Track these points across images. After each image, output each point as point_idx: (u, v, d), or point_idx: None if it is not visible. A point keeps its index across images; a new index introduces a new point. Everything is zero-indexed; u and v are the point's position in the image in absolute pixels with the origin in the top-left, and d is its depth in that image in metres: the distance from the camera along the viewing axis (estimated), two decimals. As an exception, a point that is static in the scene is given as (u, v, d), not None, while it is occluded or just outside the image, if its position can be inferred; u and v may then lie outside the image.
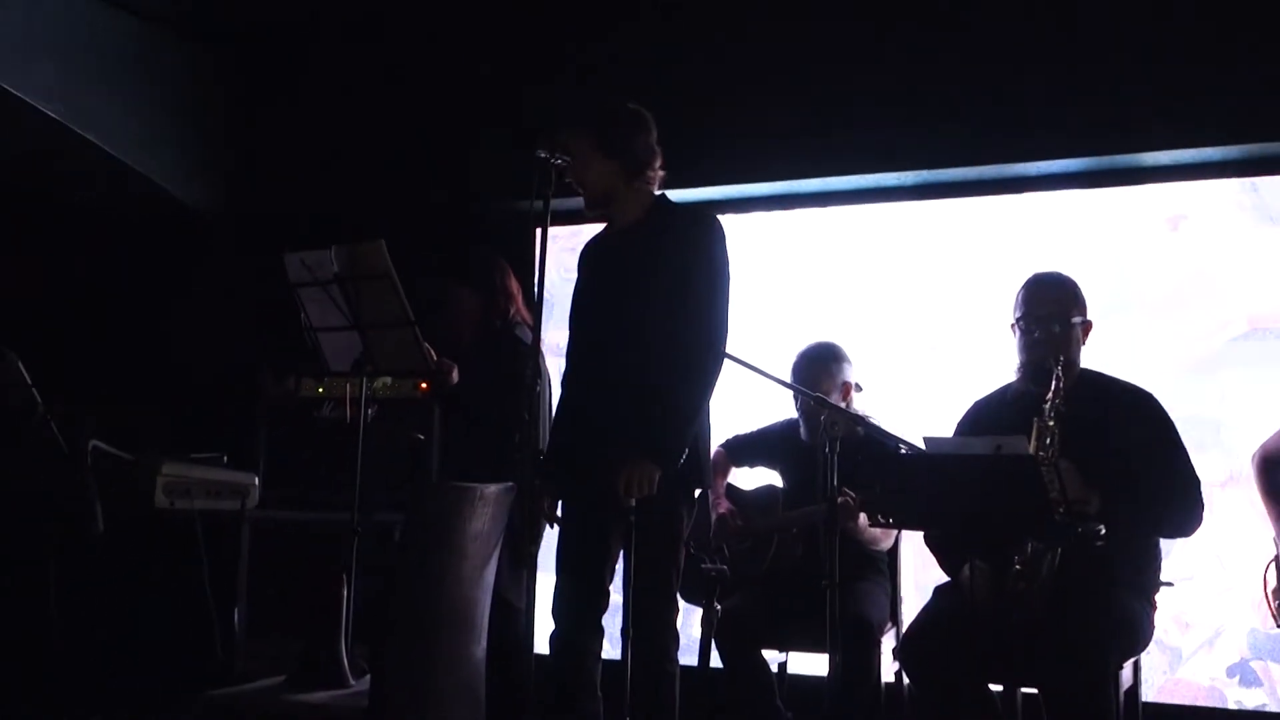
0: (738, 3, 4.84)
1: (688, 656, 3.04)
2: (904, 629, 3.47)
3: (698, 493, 3.13)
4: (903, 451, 2.99)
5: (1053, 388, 2.98)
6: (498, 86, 5.18)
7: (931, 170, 4.57)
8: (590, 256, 3.27)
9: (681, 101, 4.02)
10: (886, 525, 3.43)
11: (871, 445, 3.24)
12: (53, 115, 4.72)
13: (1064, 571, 2.89)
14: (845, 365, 3.77)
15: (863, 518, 3.48)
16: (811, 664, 3.85)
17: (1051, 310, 3.15)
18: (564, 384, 3.25)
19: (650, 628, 2.96)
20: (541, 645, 3.08)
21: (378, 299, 3.30)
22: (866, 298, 4.70)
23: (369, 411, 3.45)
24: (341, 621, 3.07)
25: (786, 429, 3.90)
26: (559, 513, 3.15)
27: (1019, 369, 3.22)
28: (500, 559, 3.07)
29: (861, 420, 3.20)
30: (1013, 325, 3.22)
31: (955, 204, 4.64)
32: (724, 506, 3.83)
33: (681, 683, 3.02)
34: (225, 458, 3.85)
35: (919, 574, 3.77)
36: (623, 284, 3.09)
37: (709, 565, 3.20)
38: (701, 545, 3.49)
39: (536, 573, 2.86)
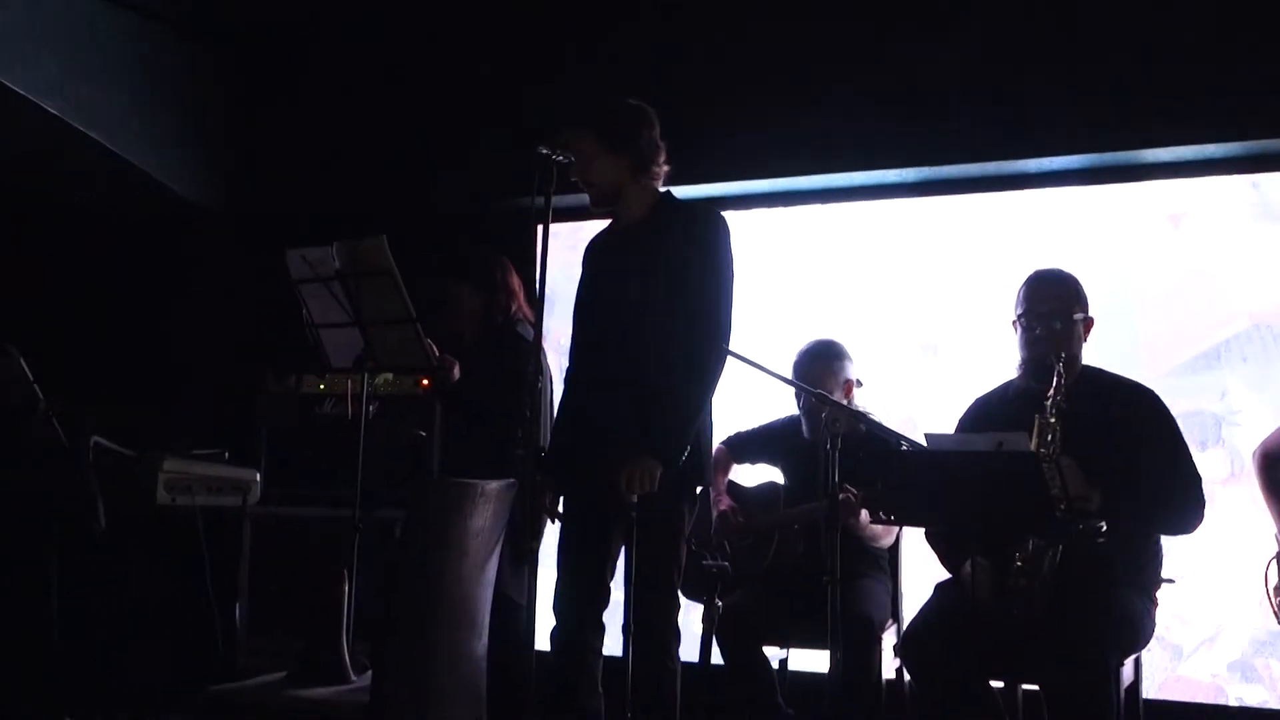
0: (738, 1, 4.84)
1: (689, 653, 3.04)
2: (905, 626, 3.48)
3: (699, 490, 3.13)
4: (904, 448, 2.99)
5: (1054, 384, 2.98)
6: (498, 85, 5.18)
7: (933, 167, 4.57)
8: (594, 253, 3.27)
9: (682, 99, 4.02)
10: (888, 522, 3.45)
11: (873, 442, 3.24)
12: (54, 112, 4.72)
13: (1065, 568, 2.89)
14: (846, 363, 3.78)
15: (864, 514, 3.48)
16: (812, 661, 3.86)
17: (1053, 307, 3.15)
18: (567, 381, 3.26)
19: (651, 624, 2.96)
20: (543, 642, 3.08)
21: (379, 295, 3.30)
22: (868, 294, 4.70)
23: (370, 408, 3.45)
24: (343, 618, 3.08)
25: (788, 426, 3.90)
26: (560, 509, 3.16)
27: (1020, 366, 3.22)
28: (501, 555, 3.07)
29: (863, 417, 3.20)
30: (1014, 322, 3.22)
31: (956, 201, 4.64)
32: (725, 503, 3.83)
33: (682, 679, 3.02)
34: (226, 454, 3.84)
35: (920, 571, 3.77)
36: (626, 281, 3.09)
37: (710, 562, 3.20)
38: (703, 542, 3.50)
39: (538, 569, 2.87)
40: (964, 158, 4.49)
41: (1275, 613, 3.40)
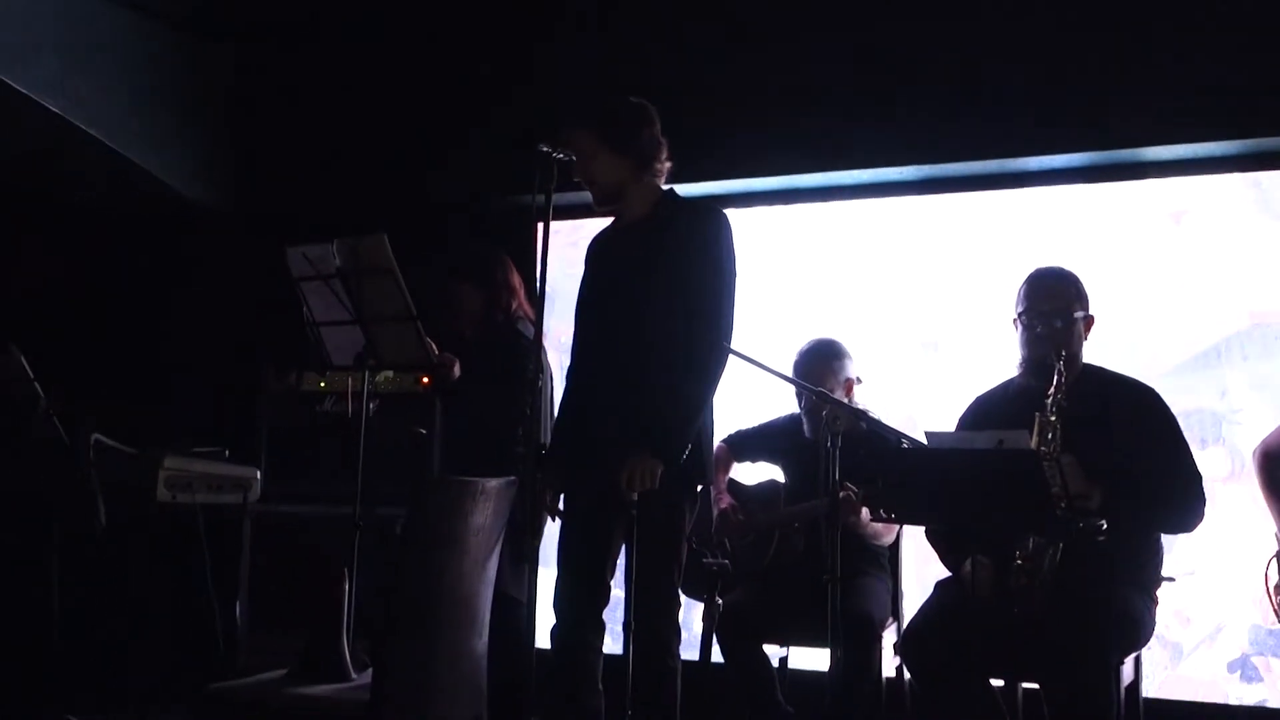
0: (739, -1, 4.84)
1: (689, 651, 3.04)
2: (905, 624, 3.48)
3: (700, 488, 3.13)
4: (904, 446, 2.99)
5: (1055, 383, 2.98)
6: (499, 84, 5.18)
7: (933, 165, 4.56)
8: (596, 251, 3.27)
9: (683, 97, 4.01)
10: (888, 520, 3.44)
11: (873, 440, 3.24)
12: (55, 110, 4.72)
13: (1065, 567, 2.89)
14: (847, 361, 3.78)
15: (864, 513, 3.48)
16: (813, 659, 3.86)
17: (1054, 305, 3.15)
18: (568, 379, 3.26)
19: (652, 622, 2.96)
20: (543, 640, 3.08)
21: (380, 293, 3.30)
22: (869, 292, 4.69)
23: (371, 406, 3.46)
24: (343, 616, 3.08)
25: (789, 424, 3.90)
26: (561, 507, 3.16)
27: (1021, 364, 3.22)
28: (502, 554, 3.07)
29: (864, 415, 3.20)
30: (1015, 320, 3.22)
31: (958, 199, 4.64)
32: (726, 501, 3.83)
33: (683, 677, 3.02)
34: (227, 452, 3.85)
35: (920, 569, 3.77)
36: (628, 279, 3.09)
37: (710, 560, 3.20)
38: (703, 540, 3.50)
39: (538, 567, 2.87)
40: (965, 156, 4.48)
41: (1275, 611, 3.40)
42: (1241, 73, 4.03)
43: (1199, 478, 3.05)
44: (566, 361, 3.28)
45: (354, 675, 3.01)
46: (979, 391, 3.38)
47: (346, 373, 3.60)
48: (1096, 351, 3.28)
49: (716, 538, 3.73)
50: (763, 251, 4.75)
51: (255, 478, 3.93)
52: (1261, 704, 4.04)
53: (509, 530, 3.07)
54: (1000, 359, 3.39)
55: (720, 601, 3.22)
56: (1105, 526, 2.76)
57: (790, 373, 3.66)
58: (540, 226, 2.92)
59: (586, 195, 3.20)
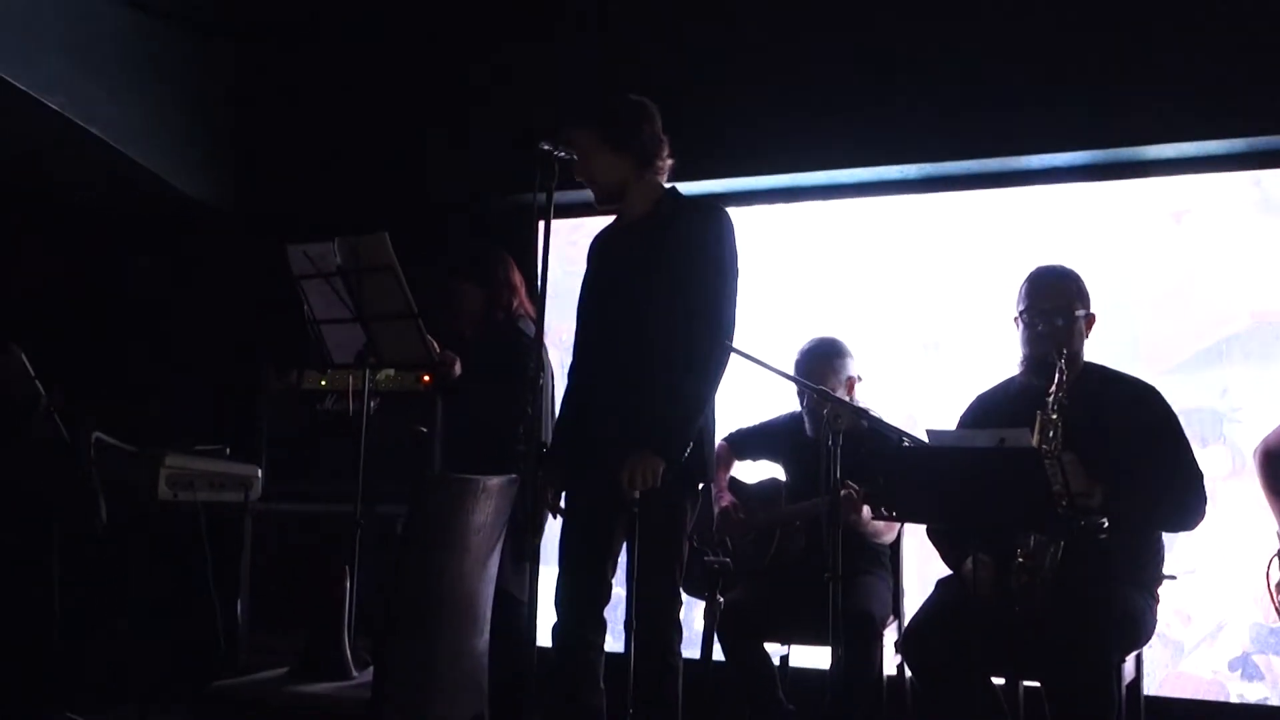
0: (740, -3, 4.84)
1: (690, 649, 3.04)
2: (906, 622, 3.48)
3: (701, 486, 3.13)
4: (906, 445, 2.99)
5: (1056, 381, 2.98)
6: (499, 83, 5.17)
7: (935, 163, 4.56)
8: (598, 249, 3.27)
9: (683, 95, 4.01)
10: (889, 518, 3.44)
11: (875, 439, 3.24)
12: (56, 108, 4.71)
13: (1066, 565, 2.89)
14: (848, 360, 3.78)
15: (866, 511, 3.48)
16: (814, 657, 3.87)
17: (1055, 304, 3.15)
18: (570, 377, 3.26)
19: (653, 620, 2.96)
20: (544, 638, 3.07)
21: (381, 291, 3.30)
22: (870, 291, 4.69)
23: (371, 404, 3.46)
24: (344, 614, 3.07)
25: (790, 422, 3.90)
26: (562, 505, 3.16)
27: (1022, 362, 3.22)
28: (503, 552, 3.07)
29: (865, 413, 3.19)
30: (1016, 319, 3.22)
31: (959, 197, 4.64)
32: (727, 500, 3.84)
33: (684, 675, 3.02)
34: (228, 450, 3.84)
35: (922, 567, 3.77)
36: (630, 277, 3.09)
37: (712, 558, 3.20)
38: (704, 538, 3.50)
39: (539, 565, 2.86)
40: (966, 154, 4.48)
41: (1277, 609, 3.40)
42: (1243, 71, 4.03)
43: (1200, 476, 3.05)
44: (568, 360, 3.28)
45: (355, 674, 3.01)
46: (980, 390, 3.38)
47: (347, 371, 3.60)
48: (1098, 350, 3.29)
49: (718, 536, 3.73)
50: (764, 250, 4.75)
51: (257, 476, 3.93)
52: (1263, 702, 4.05)
53: (510, 528, 3.07)
54: (1001, 357, 3.39)
55: (721, 600, 3.21)
56: (1106, 525, 2.76)
57: (792, 371, 3.66)
58: (541, 225, 2.92)
59: (587, 193, 3.20)
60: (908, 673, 3.37)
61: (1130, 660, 3.04)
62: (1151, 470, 3.00)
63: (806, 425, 3.78)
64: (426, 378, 4.14)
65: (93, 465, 3.44)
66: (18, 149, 5.25)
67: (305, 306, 3.47)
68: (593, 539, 3.10)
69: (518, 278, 4.05)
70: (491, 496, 2.88)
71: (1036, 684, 3.03)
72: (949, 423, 3.34)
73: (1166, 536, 3.17)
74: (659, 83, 3.68)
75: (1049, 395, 2.98)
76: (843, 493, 3.13)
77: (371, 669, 2.83)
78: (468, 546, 2.85)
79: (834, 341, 3.80)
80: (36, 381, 3.74)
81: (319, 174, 5.48)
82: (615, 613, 3.08)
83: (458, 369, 3.81)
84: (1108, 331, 3.45)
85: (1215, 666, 4.11)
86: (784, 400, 3.97)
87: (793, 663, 3.91)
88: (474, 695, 2.94)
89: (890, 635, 3.57)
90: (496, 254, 4.09)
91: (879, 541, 3.76)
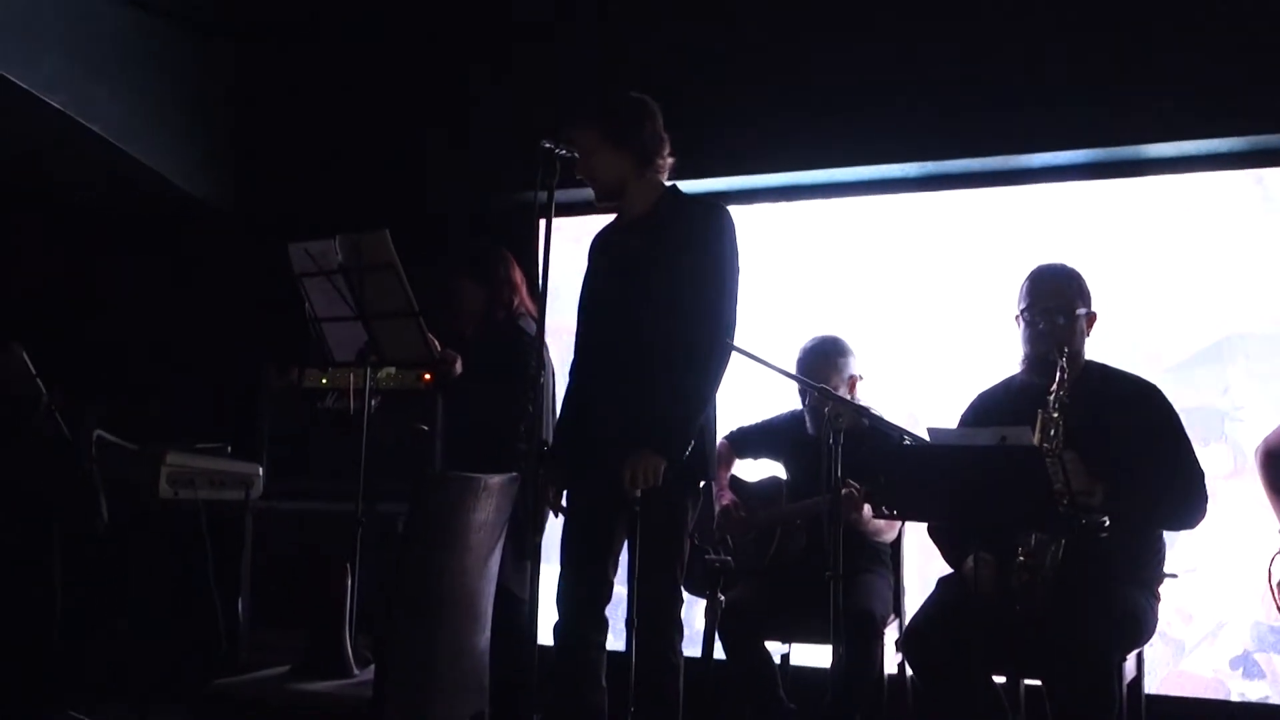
0: (742, -5, 4.84)
1: (691, 648, 3.04)
2: (907, 621, 3.48)
3: (702, 484, 3.13)
4: (907, 443, 2.99)
5: (1057, 379, 2.98)
6: (499, 82, 5.17)
7: (936, 162, 4.56)
8: (599, 247, 3.27)
9: (685, 94, 4.01)
10: (890, 517, 3.44)
11: (876, 437, 3.24)
12: (57, 107, 4.72)
13: (1067, 563, 2.89)
14: (850, 358, 3.78)
15: (867, 509, 3.48)
16: (814, 656, 3.86)
17: (1056, 302, 3.15)
18: (571, 375, 3.25)
19: (654, 619, 2.96)
20: (545, 636, 3.08)
21: (382, 289, 3.30)
22: (871, 289, 4.69)
23: (372, 402, 3.45)
24: (345, 612, 3.07)
25: (791, 421, 3.90)
26: (563, 503, 3.15)
27: (1023, 361, 3.22)
28: (504, 550, 3.07)
29: (866, 412, 3.20)
30: (1017, 317, 3.22)
31: (960, 196, 4.64)
32: (728, 498, 3.84)
33: (685, 674, 3.02)
34: (229, 448, 3.84)
35: (922, 566, 3.77)
36: (631, 275, 3.09)
37: (713, 557, 3.20)
38: (705, 537, 3.49)
39: (540, 563, 2.86)
40: (967, 152, 4.49)
41: (1278, 608, 3.40)
42: (1244, 69, 4.03)
43: (1201, 474, 3.05)
44: (569, 358, 3.28)
45: (356, 672, 3.01)
46: (981, 388, 3.37)
47: (348, 369, 3.59)
48: (1099, 348, 3.28)
49: (718, 534, 3.73)
50: (765, 248, 4.74)
51: (258, 474, 3.93)
52: (1264, 701, 4.05)
53: (511, 527, 3.07)
54: (1003, 356, 3.38)
55: (722, 598, 3.22)
56: (1107, 523, 2.76)
57: (793, 369, 3.66)
58: (542, 223, 2.91)
59: (588, 191, 3.20)
60: (909, 671, 3.37)
61: (1131, 659, 3.03)
62: (1153, 469, 3.00)
63: (808, 424, 3.78)
64: (427, 376, 4.14)
65: (94, 463, 3.44)
66: (18, 148, 5.25)
67: (306, 304, 3.47)
68: (594, 537, 3.10)
69: (518, 276, 4.05)
70: (492, 495, 2.88)
71: (1037, 682, 3.04)
72: (950, 421, 3.34)
73: (1167, 535, 3.17)
74: (659, 82, 3.67)
75: (1050, 394, 2.98)
76: (844, 491, 3.13)
77: (372, 667, 2.83)
78: (469, 545, 2.85)
79: (835, 340, 3.80)
80: (37, 380, 3.74)
81: (319, 173, 5.48)
82: (616, 611, 3.08)
83: (459, 367, 3.81)
84: (1109, 330, 3.44)
85: (1216, 665, 4.11)
86: (785, 399, 3.97)
87: (794, 661, 3.91)
88: (475, 694, 2.94)
89: (891, 634, 3.57)
90: (497, 252, 4.09)
91: (880, 540, 3.76)
